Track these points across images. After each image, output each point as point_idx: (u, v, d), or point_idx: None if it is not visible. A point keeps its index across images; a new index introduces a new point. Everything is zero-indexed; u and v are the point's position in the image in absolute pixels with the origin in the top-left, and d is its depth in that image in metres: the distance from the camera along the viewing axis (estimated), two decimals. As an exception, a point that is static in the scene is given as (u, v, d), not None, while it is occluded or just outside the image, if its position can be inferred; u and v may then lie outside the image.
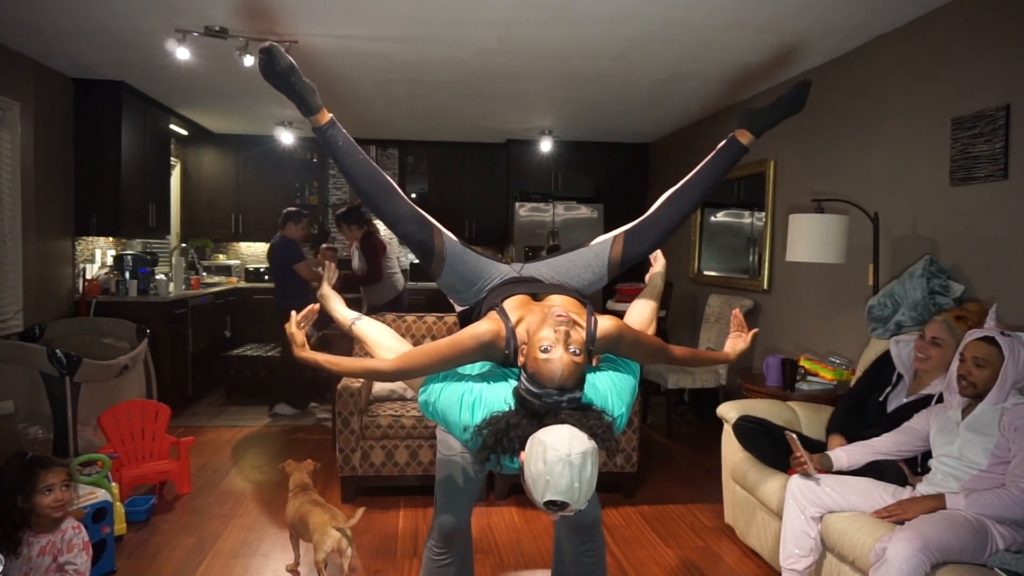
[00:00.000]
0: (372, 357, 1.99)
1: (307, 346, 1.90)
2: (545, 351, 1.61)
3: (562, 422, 1.57)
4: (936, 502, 2.28)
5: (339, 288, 2.24)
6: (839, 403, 3.14)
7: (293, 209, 5.60)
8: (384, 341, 1.97)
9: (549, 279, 2.02)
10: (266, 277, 6.96)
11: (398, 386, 3.92)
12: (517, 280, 1.98)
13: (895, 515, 2.33)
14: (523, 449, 1.58)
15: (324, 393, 5.83)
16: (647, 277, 2.37)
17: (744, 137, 2.07)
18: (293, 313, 1.95)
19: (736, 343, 2.17)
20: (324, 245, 6.19)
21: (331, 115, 1.93)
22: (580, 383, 1.65)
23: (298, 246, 5.53)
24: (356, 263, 5.57)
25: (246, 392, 5.97)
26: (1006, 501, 2.17)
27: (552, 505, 1.52)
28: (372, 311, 5.36)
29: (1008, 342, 2.34)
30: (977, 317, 2.71)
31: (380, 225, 7.73)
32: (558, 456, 1.49)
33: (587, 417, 1.60)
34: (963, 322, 2.68)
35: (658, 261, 2.38)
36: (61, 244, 4.96)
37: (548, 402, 1.60)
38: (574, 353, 1.61)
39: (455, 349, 1.75)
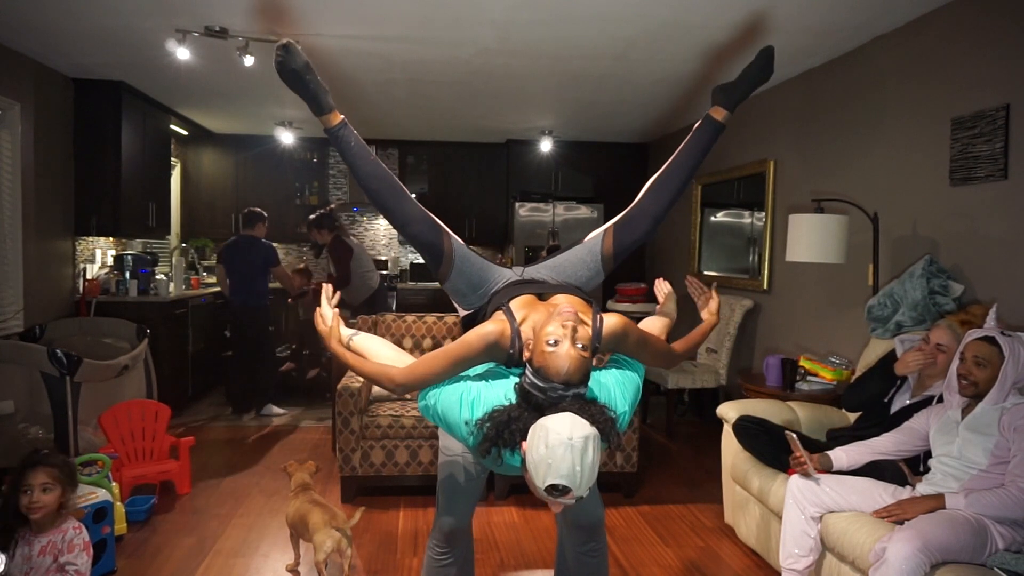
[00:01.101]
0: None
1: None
2: (552, 345, 1.63)
3: (564, 411, 1.59)
4: (936, 502, 2.28)
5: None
6: (854, 387, 3.14)
7: (259, 210, 5.59)
8: (383, 353, 1.96)
9: (551, 280, 2.03)
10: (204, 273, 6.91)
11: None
12: (521, 282, 1.99)
13: (894, 515, 2.33)
14: (524, 440, 1.59)
15: (291, 397, 5.89)
16: (658, 308, 2.30)
17: (718, 114, 2.06)
18: (323, 313, 1.98)
19: (710, 305, 2.17)
20: (299, 266, 6.20)
21: (343, 116, 1.92)
22: (585, 378, 1.66)
23: (275, 248, 5.54)
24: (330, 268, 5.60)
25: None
26: (1006, 501, 2.17)
27: (554, 490, 1.52)
28: (353, 311, 5.40)
29: (1008, 342, 2.34)
30: (982, 320, 2.71)
31: (380, 227, 7.74)
32: (560, 439, 1.50)
33: (589, 407, 1.62)
34: (968, 326, 2.67)
35: (663, 293, 2.33)
36: (61, 244, 4.97)
37: (553, 396, 1.61)
38: (581, 348, 1.63)
39: (463, 350, 1.76)
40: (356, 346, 1.99)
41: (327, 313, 2.06)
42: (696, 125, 2.08)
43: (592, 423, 1.57)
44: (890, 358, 3.01)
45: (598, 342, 1.76)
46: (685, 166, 2.04)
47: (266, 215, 5.64)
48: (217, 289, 6.43)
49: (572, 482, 1.51)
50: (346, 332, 2.04)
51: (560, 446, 1.50)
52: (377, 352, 1.97)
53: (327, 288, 2.12)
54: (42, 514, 2.33)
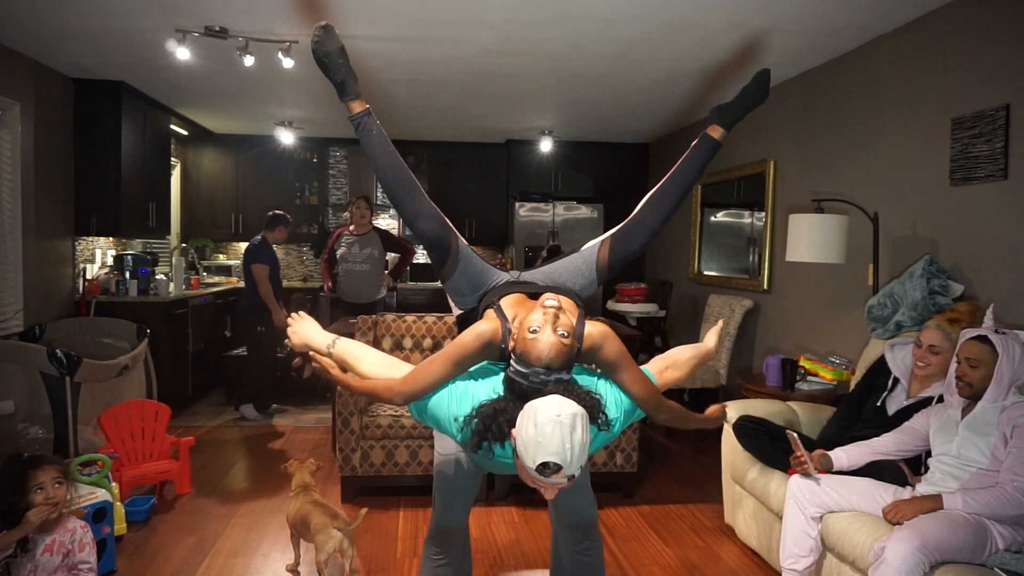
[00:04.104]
0: (357, 375, 1.93)
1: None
2: (534, 332, 1.66)
3: (550, 393, 1.61)
4: (933, 503, 2.28)
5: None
6: (833, 414, 3.13)
7: (281, 212, 5.54)
8: (367, 357, 1.92)
9: (546, 283, 2.04)
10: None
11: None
12: (515, 283, 2.02)
13: (891, 517, 2.33)
14: (513, 428, 1.60)
15: (291, 397, 5.88)
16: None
17: (715, 132, 2.09)
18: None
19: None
20: (296, 360, 6.15)
21: (368, 105, 1.97)
22: (567, 364, 1.68)
23: (270, 248, 5.41)
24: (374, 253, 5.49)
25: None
26: (1001, 499, 2.17)
27: (545, 468, 1.52)
28: (347, 310, 5.32)
29: (1001, 339, 2.34)
30: (969, 317, 2.71)
31: (381, 227, 7.73)
32: (548, 417, 1.52)
33: (574, 389, 1.64)
34: (957, 324, 2.68)
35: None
36: (61, 244, 4.97)
37: (535, 381, 1.63)
38: (562, 335, 1.66)
39: (460, 351, 1.76)
40: (338, 353, 1.94)
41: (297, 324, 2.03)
42: (694, 143, 2.11)
43: (579, 403, 1.59)
44: (880, 363, 3.01)
45: (579, 341, 1.77)
46: (682, 182, 2.07)
47: (286, 216, 5.54)
48: (217, 289, 6.44)
49: (563, 459, 1.51)
50: (325, 339, 1.98)
51: (549, 423, 1.51)
52: (361, 356, 1.92)
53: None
54: (58, 510, 2.34)
